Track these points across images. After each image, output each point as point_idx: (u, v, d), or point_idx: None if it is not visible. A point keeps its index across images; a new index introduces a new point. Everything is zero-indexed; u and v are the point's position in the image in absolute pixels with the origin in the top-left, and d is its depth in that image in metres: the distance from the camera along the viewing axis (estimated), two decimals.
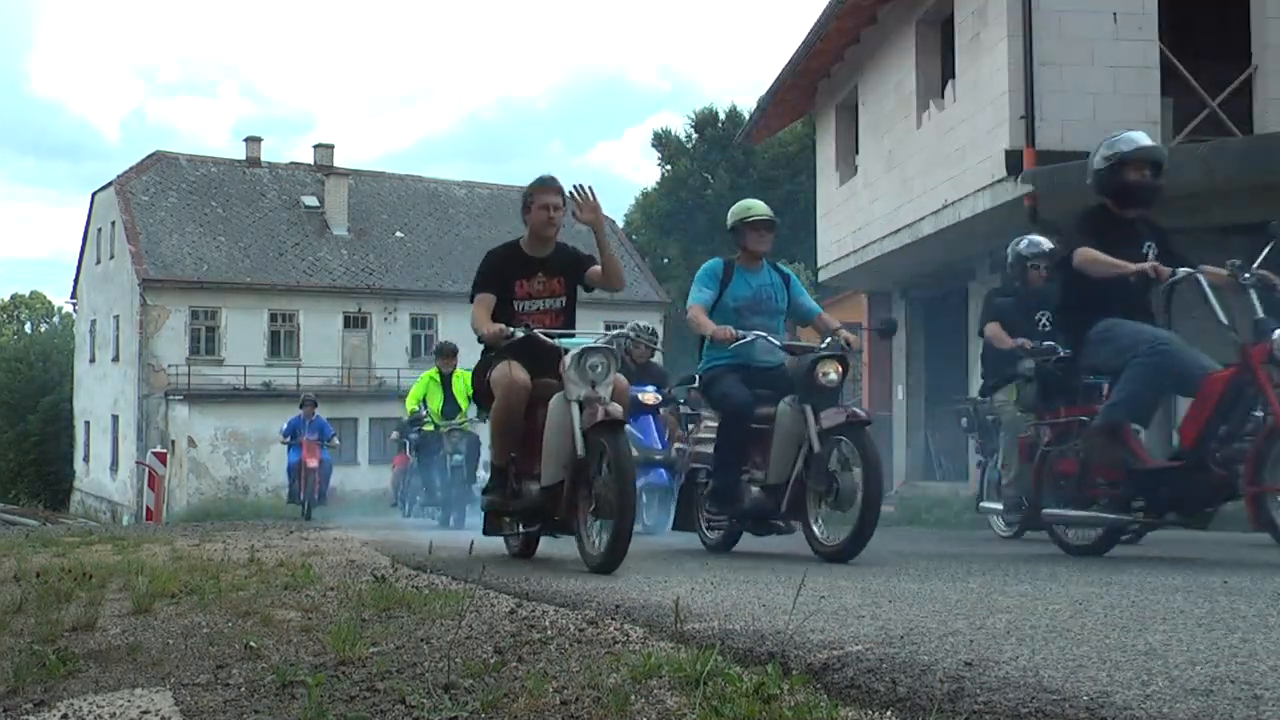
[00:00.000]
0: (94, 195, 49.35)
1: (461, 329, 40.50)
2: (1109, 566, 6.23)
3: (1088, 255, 6.81)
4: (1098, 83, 13.21)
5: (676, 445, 13.25)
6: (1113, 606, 4.18)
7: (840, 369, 6.92)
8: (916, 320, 21.24)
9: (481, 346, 6.94)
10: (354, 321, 46.17)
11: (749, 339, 7.27)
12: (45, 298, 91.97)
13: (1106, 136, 7.28)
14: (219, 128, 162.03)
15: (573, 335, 6.88)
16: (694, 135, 62.59)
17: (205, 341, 43.64)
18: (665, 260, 64.34)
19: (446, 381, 15.05)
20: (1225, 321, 6.76)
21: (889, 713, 2.64)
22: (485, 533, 7.21)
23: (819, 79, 21.13)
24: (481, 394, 7.05)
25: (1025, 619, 3.82)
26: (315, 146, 51.76)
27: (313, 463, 20.18)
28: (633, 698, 2.90)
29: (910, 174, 16.72)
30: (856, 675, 2.89)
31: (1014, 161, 13.17)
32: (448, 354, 15.52)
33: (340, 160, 51.43)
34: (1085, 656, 3.01)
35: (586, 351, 6.43)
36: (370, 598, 4.98)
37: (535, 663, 3.45)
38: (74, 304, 54.40)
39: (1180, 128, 13.63)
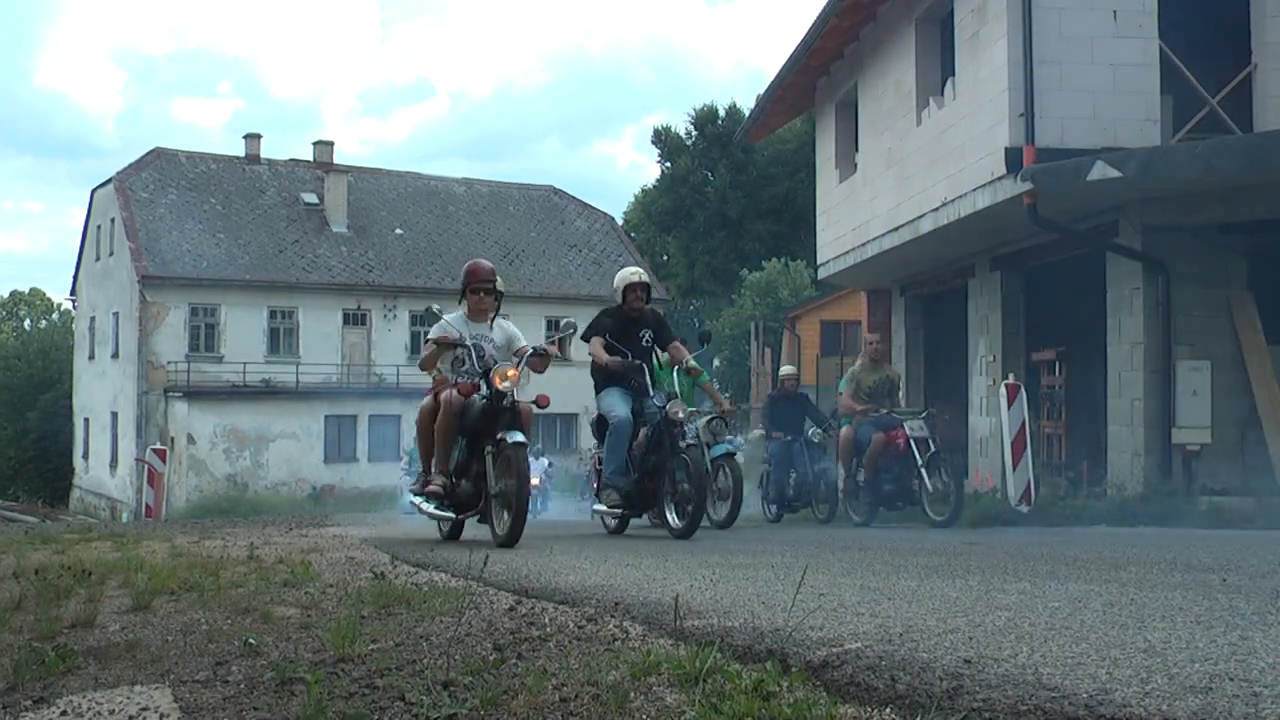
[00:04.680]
0: (93, 192, 49.33)
1: None
2: (1108, 565, 6.23)
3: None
4: (1097, 80, 13.21)
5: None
6: (1112, 604, 4.18)
7: None
8: (915, 318, 21.24)
9: None
10: (353, 319, 46.15)
11: None
12: (45, 294, 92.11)
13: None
14: (218, 125, 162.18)
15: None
16: (694, 133, 62.67)
17: (205, 338, 43.61)
18: (665, 258, 64.45)
19: None
20: None
21: (888, 710, 2.64)
22: None
23: (819, 77, 21.13)
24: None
25: (1024, 616, 3.82)
26: (314, 143, 51.73)
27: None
28: (632, 695, 2.90)
29: (910, 171, 16.72)
30: (855, 672, 2.89)
31: (1013, 159, 13.17)
32: None
33: (336, 155, 51.40)
34: (1084, 654, 3.01)
35: None
36: (369, 595, 4.98)
37: (534, 660, 3.45)
38: (73, 301, 54.39)
39: (1180, 125, 13.63)
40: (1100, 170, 12.16)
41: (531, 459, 30.07)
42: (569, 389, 48.39)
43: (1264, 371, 12.82)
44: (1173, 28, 13.49)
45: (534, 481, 28.03)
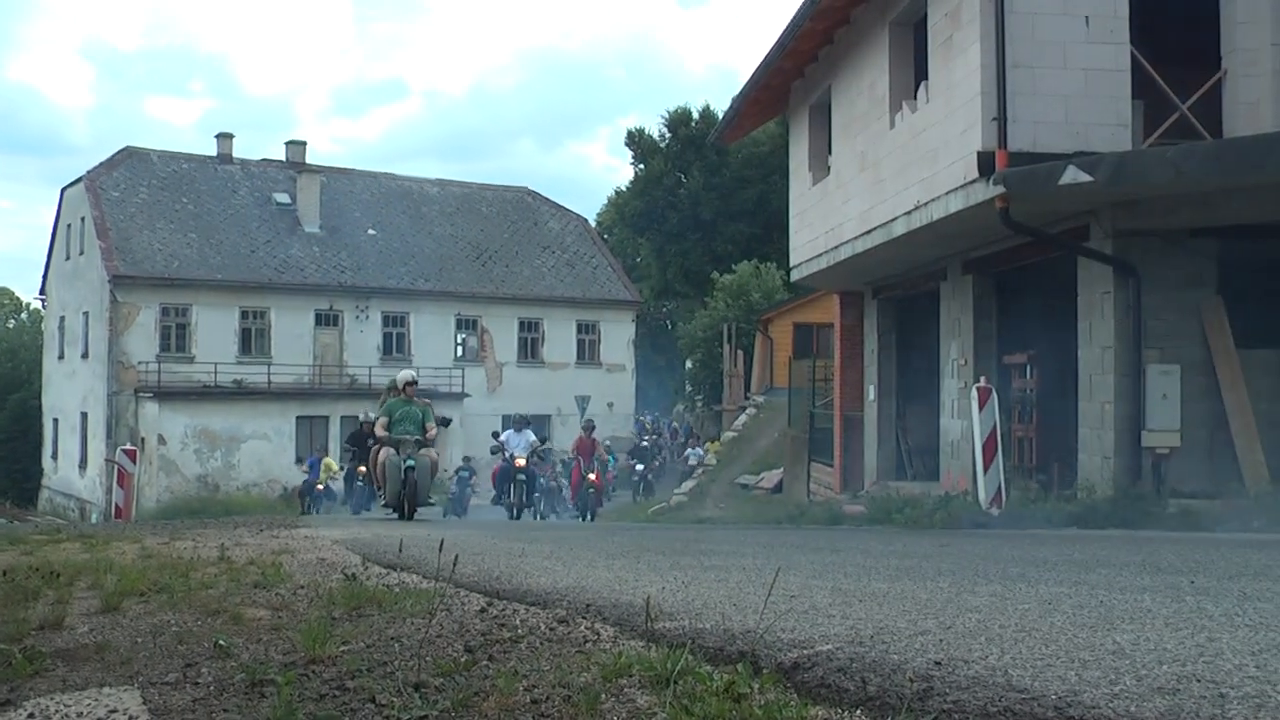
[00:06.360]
0: (63, 191, 49.01)
1: (433, 327, 39.81)
2: (1078, 567, 6.26)
3: None
4: (1069, 85, 13.26)
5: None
6: (1081, 606, 4.20)
7: None
8: (887, 320, 21.31)
9: None
10: (326, 319, 45.99)
11: None
12: (13, 294, 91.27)
13: None
14: (190, 123, 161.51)
15: None
16: (667, 135, 62.69)
17: (176, 339, 43.37)
18: (638, 259, 64.46)
19: None
20: None
21: (859, 712, 2.65)
22: None
23: (793, 79, 21.16)
24: None
25: (994, 619, 3.83)
26: (287, 143, 51.61)
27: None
28: (603, 696, 2.90)
29: (883, 175, 16.76)
30: (826, 674, 2.90)
31: (986, 163, 13.21)
32: None
33: (308, 155, 51.26)
34: (1054, 656, 3.03)
35: None
36: (341, 596, 4.96)
37: (506, 661, 3.45)
38: (43, 300, 53.99)
39: (1151, 130, 13.70)
40: (1072, 174, 12.21)
41: (512, 431, 23.96)
42: (543, 390, 48.43)
43: (1233, 375, 12.89)
44: (1144, 34, 13.56)
45: (519, 461, 22.73)
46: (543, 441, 24.27)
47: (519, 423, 24.18)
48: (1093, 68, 13.28)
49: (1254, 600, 4.39)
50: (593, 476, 24.38)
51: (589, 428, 26.46)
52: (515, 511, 22.51)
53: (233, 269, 44.39)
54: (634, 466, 37.09)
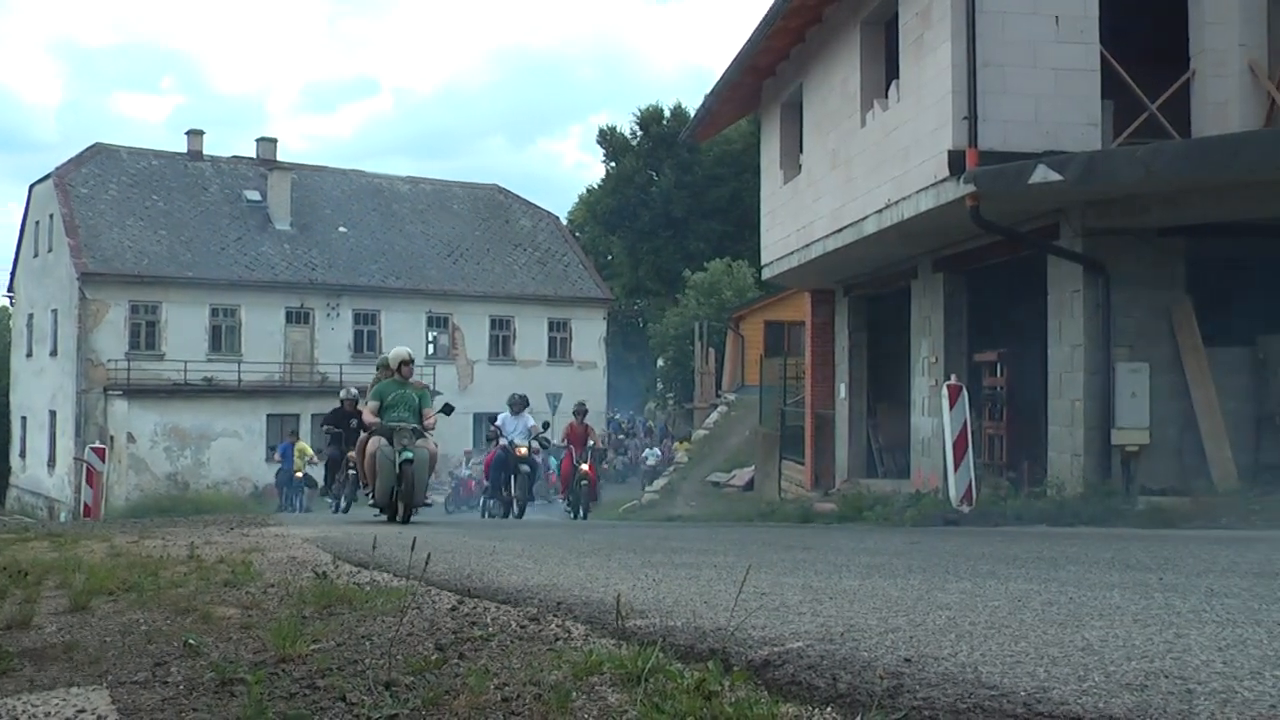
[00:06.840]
0: (32, 187, 48.66)
1: (405, 324, 39.01)
2: (1048, 564, 6.29)
3: None
4: (1040, 85, 13.32)
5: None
6: (1051, 603, 4.22)
7: None
8: (858, 318, 21.35)
9: None
10: (296, 317, 45.83)
11: None
12: None
13: None
14: (160, 119, 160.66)
15: None
16: (639, 132, 62.74)
17: (145, 336, 43.13)
18: (609, 257, 64.49)
19: None
20: None
21: (829, 709, 2.65)
22: None
23: (765, 77, 21.18)
24: None
25: (965, 616, 3.85)
26: (258, 140, 51.36)
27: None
28: (574, 694, 2.90)
29: (854, 173, 16.79)
30: (797, 671, 2.90)
31: (957, 161, 13.25)
32: None
33: (279, 152, 51.06)
34: (1023, 652, 3.04)
35: None
36: (311, 594, 4.95)
37: (476, 660, 3.44)
38: (11, 297, 53.60)
39: (1120, 130, 13.77)
40: (1042, 173, 12.26)
41: (508, 415, 20.41)
42: (514, 387, 48.35)
43: (1201, 373, 12.98)
44: (1114, 34, 13.63)
45: (521, 450, 20.08)
46: (545, 427, 20.72)
47: (518, 403, 20.39)
48: (1063, 67, 13.34)
49: (1221, 597, 4.42)
50: (586, 467, 20.77)
51: (581, 412, 21.81)
52: (515, 508, 19.82)
53: (203, 266, 44.17)
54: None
